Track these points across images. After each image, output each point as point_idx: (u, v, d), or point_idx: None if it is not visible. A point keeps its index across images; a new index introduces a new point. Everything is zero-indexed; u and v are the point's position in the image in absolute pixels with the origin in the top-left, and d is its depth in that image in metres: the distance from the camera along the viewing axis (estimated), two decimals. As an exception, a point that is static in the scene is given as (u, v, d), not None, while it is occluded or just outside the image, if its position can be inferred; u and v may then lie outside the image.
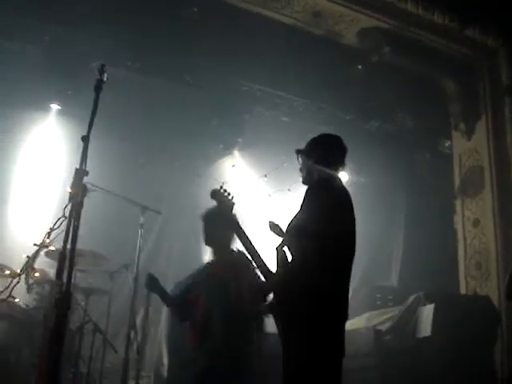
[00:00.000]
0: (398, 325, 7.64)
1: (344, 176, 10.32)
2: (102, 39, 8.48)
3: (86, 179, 2.95)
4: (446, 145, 10.89)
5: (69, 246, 2.69)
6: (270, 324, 3.96)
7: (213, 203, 4.35)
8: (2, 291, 3.82)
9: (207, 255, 10.34)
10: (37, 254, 4.39)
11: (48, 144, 9.08)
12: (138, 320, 8.66)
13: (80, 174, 2.79)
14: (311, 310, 3.42)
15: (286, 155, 4.26)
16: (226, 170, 10.55)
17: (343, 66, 9.51)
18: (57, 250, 4.05)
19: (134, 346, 6.85)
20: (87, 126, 3.11)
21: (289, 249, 3.69)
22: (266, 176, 8.71)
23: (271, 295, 3.78)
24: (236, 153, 10.61)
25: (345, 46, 9.43)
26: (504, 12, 8.85)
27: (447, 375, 6.74)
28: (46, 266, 6.34)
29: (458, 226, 9.76)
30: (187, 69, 9.24)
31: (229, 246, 4.99)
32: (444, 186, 10.53)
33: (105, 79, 3.12)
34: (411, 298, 7.77)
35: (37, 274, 6.01)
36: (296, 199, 3.84)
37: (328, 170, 3.90)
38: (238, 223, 4.14)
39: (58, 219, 2.72)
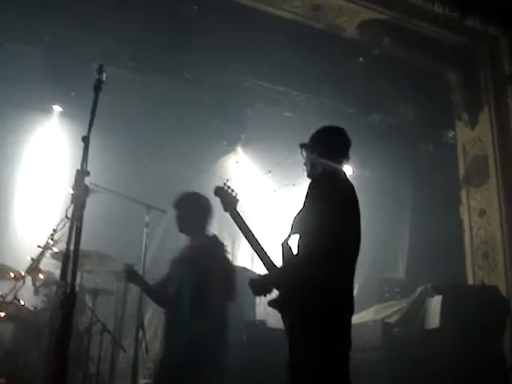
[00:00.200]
0: (406, 317, 7.62)
1: (348, 169, 10.34)
2: (101, 39, 8.49)
3: (89, 179, 2.94)
4: (450, 135, 10.87)
5: (72, 247, 2.69)
6: (278, 320, 3.95)
7: (216, 199, 4.34)
8: (8, 294, 3.83)
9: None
10: (41, 255, 4.40)
11: (51, 145, 9.10)
12: (146, 319, 8.69)
13: (81, 174, 2.78)
14: (317, 304, 3.41)
15: (290, 150, 4.26)
16: (230, 167, 10.55)
17: (344, 59, 9.49)
18: (61, 251, 4.05)
19: (143, 345, 6.87)
20: (90, 127, 3.10)
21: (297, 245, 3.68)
22: (270, 172, 8.67)
23: (276, 290, 3.77)
24: (239, 149, 10.61)
25: (345, 39, 9.41)
26: (504, 0, 8.81)
27: (456, 366, 6.73)
28: (52, 267, 6.35)
29: (464, 217, 9.75)
30: (188, 66, 9.25)
31: (202, 232, 5.05)
32: (449, 177, 10.51)
33: (104, 79, 3.11)
34: (419, 290, 7.75)
35: (41, 276, 6.02)
36: (301, 194, 3.83)
37: (332, 164, 3.88)
38: (242, 219, 4.12)
39: (61, 221, 2.72)
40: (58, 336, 2.51)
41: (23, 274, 4.23)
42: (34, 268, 5.38)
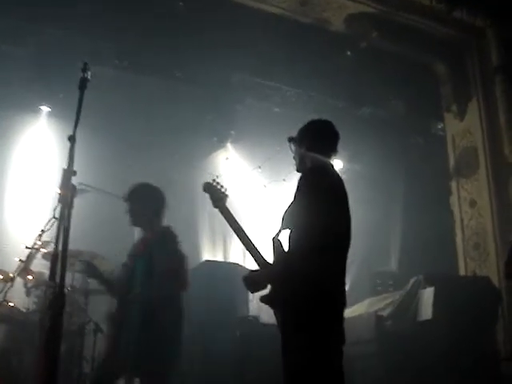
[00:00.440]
0: (399, 309, 7.65)
1: (338, 163, 10.38)
2: (89, 38, 8.47)
3: (78, 179, 2.93)
4: (439, 127, 10.90)
5: (61, 247, 2.67)
6: (271, 315, 3.94)
7: (205, 196, 4.31)
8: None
9: (205, 248, 10.40)
10: (29, 256, 4.38)
11: (39, 145, 9.06)
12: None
13: (68, 174, 2.76)
14: (309, 298, 3.41)
15: (280, 145, 4.27)
16: (220, 163, 10.54)
17: (333, 53, 9.49)
18: (50, 251, 4.04)
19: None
20: (76, 126, 3.08)
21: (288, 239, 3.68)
22: (260, 167, 8.69)
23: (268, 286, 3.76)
24: (229, 145, 10.61)
25: (333, 33, 9.42)
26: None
27: (450, 357, 6.76)
28: (43, 268, 6.32)
29: (455, 208, 9.78)
30: (176, 64, 9.24)
31: (155, 224, 5.01)
32: (439, 169, 10.54)
33: (89, 77, 3.09)
34: (411, 282, 7.77)
35: (30, 277, 6.00)
36: (291, 189, 3.82)
37: (320, 157, 3.87)
38: (232, 215, 4.11)
39: (48, 221, 2.70)
40: (48, 336, 2.49)
41: (12, 275, 4.21)
42: (22, 269, 5.36)
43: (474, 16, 9.22)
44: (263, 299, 3.70)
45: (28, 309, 6.45)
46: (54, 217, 2.72)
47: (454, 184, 9.87)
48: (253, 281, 3.81)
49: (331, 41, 9.40)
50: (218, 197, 4.20)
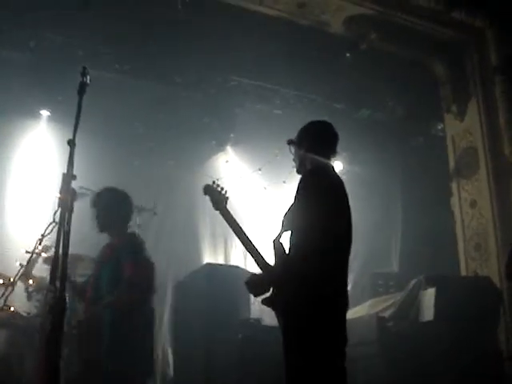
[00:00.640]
0: (401, 310, 7.63)
1: (338, 165, 10.38)
2: (89, 42, 8.49)
3: (78, 183, 2.93)
4: (439, 128, 10.90)
5: (61, 251, 2.67)
6: (272, 318, 3.94)
7: (206, 199, 4.31)
8: (-3, 300, 3.80)
9: (206, 251, 10.39)
10: (30, 261, 4.38)
11: (40, 150, 9.06)
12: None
13: (67, 178, 2.76)
14: (311, 300, 3.41)
15: (280, 148, 4.27)
16: (221, 166, 10.54)
17: (332, 55, 9.50)
18: (50, 256, 4.03)
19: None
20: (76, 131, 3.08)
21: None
22: (260, 170, 8.67)
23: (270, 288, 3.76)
24: (229, 148, 10.60)
25: (332, 36, 9.41)
26: (489, -8, 8.86)
27: (452, 357, 6.75)
28: (45, 272, 6.31)
29: (455, 208, 9.77)
30: (175, 68, 9.25)
31: (121, 230, 4.94)
32: (439, 170, 10.54)
33: (88, 82, 3.09)
34: (412, 283, 7.76)
35: (31, 282, 5.99)
36: (291, 191, 3.83)
37: (320, 159, 3.88)
38: (232, 217, 4.11)
39: (49, 225, 2.70)
40: (49, 340, 2.49)
41: (12, 280, 4.21)
42: (23, 274, 5.35)
43: (473, 17, 9.22)
44: (265, 302, 3.71)
45: (29, 313, 6.44)
46: (54, 221, 2.72)
47: (454, 185, 9.86)
48: (255, 284, 3.81)
49: (330, 43, 9.40)
50: (218, 199, 4.20)
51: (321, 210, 3.56)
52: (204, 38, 8.51)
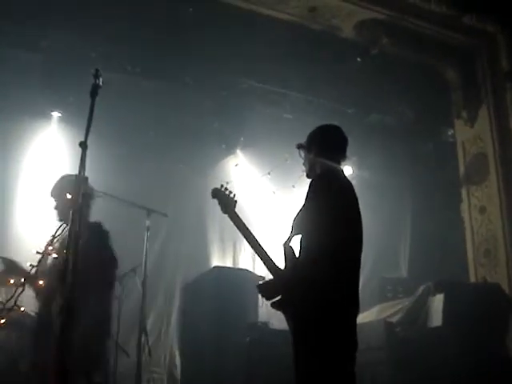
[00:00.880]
0: (409, 316, 7.61)
1: (348, 170, 10.36)
2: (100, 44, 8.52)
3: (92, 185, 2.95)
4: (449, 134, 10.88)
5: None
6: (281, 321, 3.94)
7: (215, 202, 4.31)
8: (8, 300, 3.81)
9: (215, 255, 10.41)
10: (40, 261, 4.37)
11: (51, 151, 9.09)
12: (149, 323, 8.70)
13: (79, 180, 2.78)
14: (318, 305, 3.41)
15: (289, 152, 4.28)
16: (230, 170, 10.55)
17: (343, 60, 9.49)
18: (61, 257, 4.02)
19: (146, 349, 6.86)
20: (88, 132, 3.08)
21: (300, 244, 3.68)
22: (269, 173, 8.66)
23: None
24: (239, 152, 10.61)
25: (343, 40, 9.40)
26: (501, -3, 8.84)
27: (461, 364, 6.72)
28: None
29: (465, 214, 9.74)
30: (187, 70, 9.27)
31: (81, 220, 4.62)
32: (449, 175, 10.51)
33: (100, 84, 3.10)
34: (421, 289, 7.74)
35: (41, 282, 6.00)
36: (301, 195, 3.83)
37: (330, 163, 3.87)
38: (241, 221, 4.11)
39: (60, 226, 2.72)
40: (59, 341, 2.50)
41: (23, 280, 4.21)
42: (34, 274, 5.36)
43: (484, 22, 9.22)
44: (274, 305, 3.70)
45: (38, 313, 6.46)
46: (66, 222, 2.73)
47: (464, 191, 9.83)
48: (266, 288, 3.80)
49: (341, 47, 9.40)
50: (226, 202, 4.20)
51: (331, 213, 3.55)
52: (215, 41, 8.53)
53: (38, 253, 4.60)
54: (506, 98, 9.22)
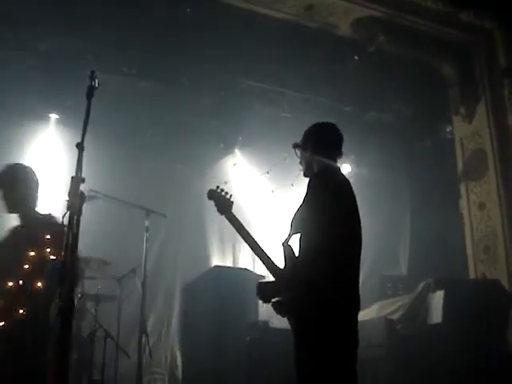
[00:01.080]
0: (409, 313, 7.61)
1: (346, 167, 10.36)
2: (97, 45, 8.51)
3: (88, 186, 2.95)
4: (447, 130, 10.88)
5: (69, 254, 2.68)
6: (281, 320, 3.94)
7: (211, 203, 4.31)
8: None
9: (214, 254, 10.41)
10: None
11: (49, 153, 9.09)
12: (149, 325, 8.71)
13: (76, 181, 2.77)
14: (318, 305, 3.41)
15: (288, 151, 4.28)
16: (229, 169, 10.56)
17: (340, 58, 9.48)
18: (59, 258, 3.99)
19: (147, 350, 6.87)
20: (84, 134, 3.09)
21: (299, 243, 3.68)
22: (268, 172, 8.66)
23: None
24: (237, 151, 10.62)
25: (340, 38, 9.40)
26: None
27: (461, 360, 6.72)
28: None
29: (464, 211, 9.75)
30: (184, 71, 9.27)
31: (28, 210, 4.41)
32: (447, 172, 10.52)
33: (96, 85, 3.10)
34: (421, 286, 7.74)
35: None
36: (299, 194, 3.83)
37: (326, 160, 3.87)
38: (238, 221, 4.11)
39: (57, 228, 2.72)
40: (58, 343, 2.50)
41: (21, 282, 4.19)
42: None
43: (481, 18, 9.21)
44: (274, 305, 3.70)
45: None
46: (63, 224, 2.73)
47: (462, 187, 9.84)
48: (265, 288, 3.79)
49: (338, 45, 9.40)
50: (223, 203, 4.21)
51: (329, 212, 3.55)
52: (212, 41, 8.53)
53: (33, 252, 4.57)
54: (504, 95, 9.22)
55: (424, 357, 6.84)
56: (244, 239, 4.04)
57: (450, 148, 10.35)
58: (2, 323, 4.02)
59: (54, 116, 9.17)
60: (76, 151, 2.95)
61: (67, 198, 2.76)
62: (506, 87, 9.23)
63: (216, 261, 10.18)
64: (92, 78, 3.10)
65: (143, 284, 6.78)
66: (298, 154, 4.09)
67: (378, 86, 9.82)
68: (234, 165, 10.50)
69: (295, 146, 4.11)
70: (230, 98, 9.69)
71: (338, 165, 4.02)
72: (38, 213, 4.48)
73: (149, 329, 7.91)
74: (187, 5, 8.41)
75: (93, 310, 7.05)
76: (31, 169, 4.59)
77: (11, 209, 4.37)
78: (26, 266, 4.17)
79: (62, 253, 2.65)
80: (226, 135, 10.09)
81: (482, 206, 9.40)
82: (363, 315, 7.60)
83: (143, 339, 6.72)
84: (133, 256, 7.35)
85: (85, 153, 3.00)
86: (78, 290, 6.64)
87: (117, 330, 7.17)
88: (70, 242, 2.65)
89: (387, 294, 9.41)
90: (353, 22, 9.12)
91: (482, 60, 9.78)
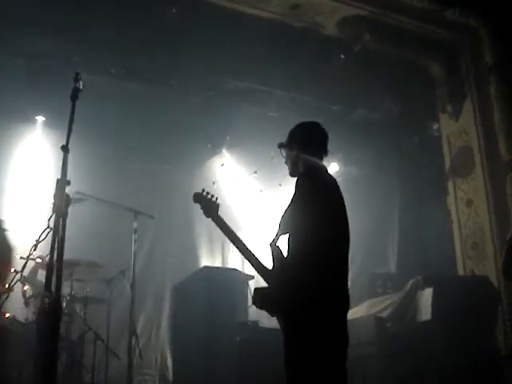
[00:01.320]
0: (399, 311, 7.63)
1: (334, 166, 10.37)
2: (84, 46, 8.48)
3: (75, 188, 2.95)
4: (434, 128, 10.91)
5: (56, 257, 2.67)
6: (270, 320, 3.94)
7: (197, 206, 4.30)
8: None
9: (203, 254, 10.40)
10: (24, 267, 4.34)
11: (35, 155, 9.06)
12: (139, 326, 8.68)
13: (61, 183, 2.76)
14: (306, 305, 3.41)
15: (275, 150, 4.28)
16: (217, 169, 10.55)
17: (327, 57, 9.50)
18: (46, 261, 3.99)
19: (137, 352, 6.86)
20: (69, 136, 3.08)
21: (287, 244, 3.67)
22: (255, 172, 8.68)
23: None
24: (225, 151, 10.62)
25: (327, 37, 9.40)
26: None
27: (451, 357, 6.75)
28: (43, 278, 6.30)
29: (452, 208, 9.78)
30: (171, 71, 9.25)
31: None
32: (435, 169, 10.55)
33: (81, 87, 3.09)
34: (410, 283, 7.76)
35: (26, 288, 5.98)
36: (287, 193, 3.83)
37: (312, 159, 3.87)
38: (225, 223, 4.11)
39: (43, 231, 2.70)
40: (45, 346, 2.49)
41: (8, 286, 4.17)
42: (18, 280, 5.34)
43: (466, 16, 9.23)
44: (264, 307, 3.69)
45: (27, 319, 6.44)
46: (49, 227, 2.72)
47: (450, 184, 9.86)
48: (266, 300, 3.74)
49: (324, 44, 9.40)
50: (209, 206, 4.21)
51: (317, 212, 3.55)
52: (199, 41, 8.52)
53: (21, 258, 4.56)
54: (490, 92, 9.24)
55: (414, 354, 6.86)
56: (232, 241, 4.04)
57: (437, 145, 10.37)
58: None
59: (40, 118, 9.14)
60: (62, 153, 2.94)
61: (53, 201, 2.75)
62: (491, 85, 9.25)
63: (205, 261, 10.18)
64: (76, 79, 3.09)
65: (132, 286, 6.76)
66: (284, 153, 4.09)
67: (364, 85, 9.83)
68: (222, 165, 10.49)
69: (280, 145, 4.11)
70: (217, 98, 9.69)
71: (325, 163, 4.02)
72: None
73: (138, 330, 7.88)
74: (174, 5, 8.39)
75: (82, 313, 7.02)
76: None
77: None
78: None
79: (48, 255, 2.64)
80: (214, 135, 10.09)
81: (469, 203, 9.43)
82: (353, 313, 7.62)
83: (133, 341, 6.71)
84: (121, 258, 7.33)
85: (72, 155, 3.00)
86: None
87: (106, 332, 7.14)
88: (56, 244, 2.64)
89: (377, 292, 9.43)
90: (339, 21, 9.12)
91: (468, 58, 9.81)
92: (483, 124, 9.40)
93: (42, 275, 6.41)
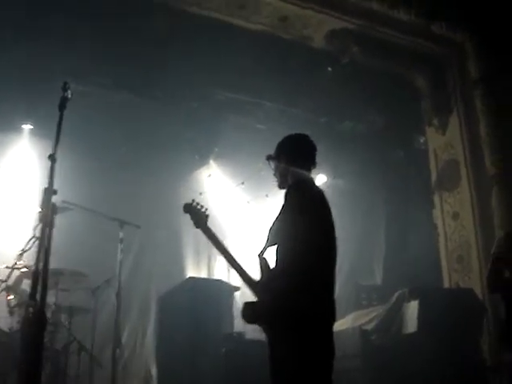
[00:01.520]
0: (384, 323, 7.64)
1: (322, 178, 10.40)
2: (71, 57, 8.46)
3: (62, 197, 2.94)
4: (421, 141, 10.97)
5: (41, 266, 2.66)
6: (256, 331, 3.93)
7: (186, 215, 4.30)
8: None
9: (189, 265, 10.37)
10: (10, 276, 4.32)
11: (22, 164, 9.02)
12: (124, 336, 8.64)
13: (48, 193, 2.76)
14: (299, 314, 3.40)
15: (263, 162, 4.28)
16: (204, 181, 10.55)
17: (314, 69, 9.54)
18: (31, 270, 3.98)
19: (121, 362, 6.83)
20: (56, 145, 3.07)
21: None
22: (243, 183, 8.68)
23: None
24: (212, 162, 10.62)
25: (315, 50, 9.45)
26: (469, 6, 8.94)
27: (436, 369, 6.75)
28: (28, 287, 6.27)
29: (438, 221, 9.81)
30: (158, 83, 9.25)
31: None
32: (421, 182, 10.60)
33: (69, 96, 3.09)
34: (395, 295, 7.78)
35: (10, 297, 5.94)
36: (275, 204, 3.83)
37: (300, 171, 3.88)
38: (214, 234, 4.11)
39: (29, 240, 2.70)
40: (29, 355, 2.48)
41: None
42: (3, 289, 5.31)
43: (453, 31, 9.32)
44: (250, 318, 3.69)
45: (12, 328, 6.40)
46: (35, 236, 2.71)
47: (436, 197, 9.91)
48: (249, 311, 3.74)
49: (312, 57, 9.45)
50: (199, 217, 4.22)
51: (305, 223, 3.56)
52: (187, 52, 8.53)
53: (7, 267, 4.55)
54: (476, 106, 9.31)
55: (399, 366, 6.86)
56: (220, 252, 4.04)
57: (423, 158, 10.42)
58: None
59: (27, 127, 9.11)
60: (49, 162, 2.93)
61: (39, 210, 2.75)
62: (477, 98, 9.33)
63: (191, 272, 10.15)
64: (65, 89, 3.09)
65: (118, 295, 6.73)
66: (272, 166, 4.10)
67: (351, 97, 9.87)
68: (209, 176, 10.49)
69: (269, 158, 4.12)
70: (205, 109, 9.70)
71: (313, 175, 4.03)
72: None
73: (124, 340, 7.85)
74: (162, 17, 8.40)
75: (67, 323, 6.99)
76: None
77: None
78: None
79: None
80: (201, 146, 10.09)
81: (455, 216, 9.47)
82: (338, 325, 7.58)
83: (117, 350, 6.67)
84: (107, 267, 7.29)
85: (59, 164, 2.99)
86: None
87: (91, 341, 7.11)
88: (42, 253, 2.63)
89: (362, 304, 9.44)
90: (327, 34, 9.18)
91: (455, 72, 9.88)
92: (469, 138, 9.46)
93: (26, 284, 6.37)
